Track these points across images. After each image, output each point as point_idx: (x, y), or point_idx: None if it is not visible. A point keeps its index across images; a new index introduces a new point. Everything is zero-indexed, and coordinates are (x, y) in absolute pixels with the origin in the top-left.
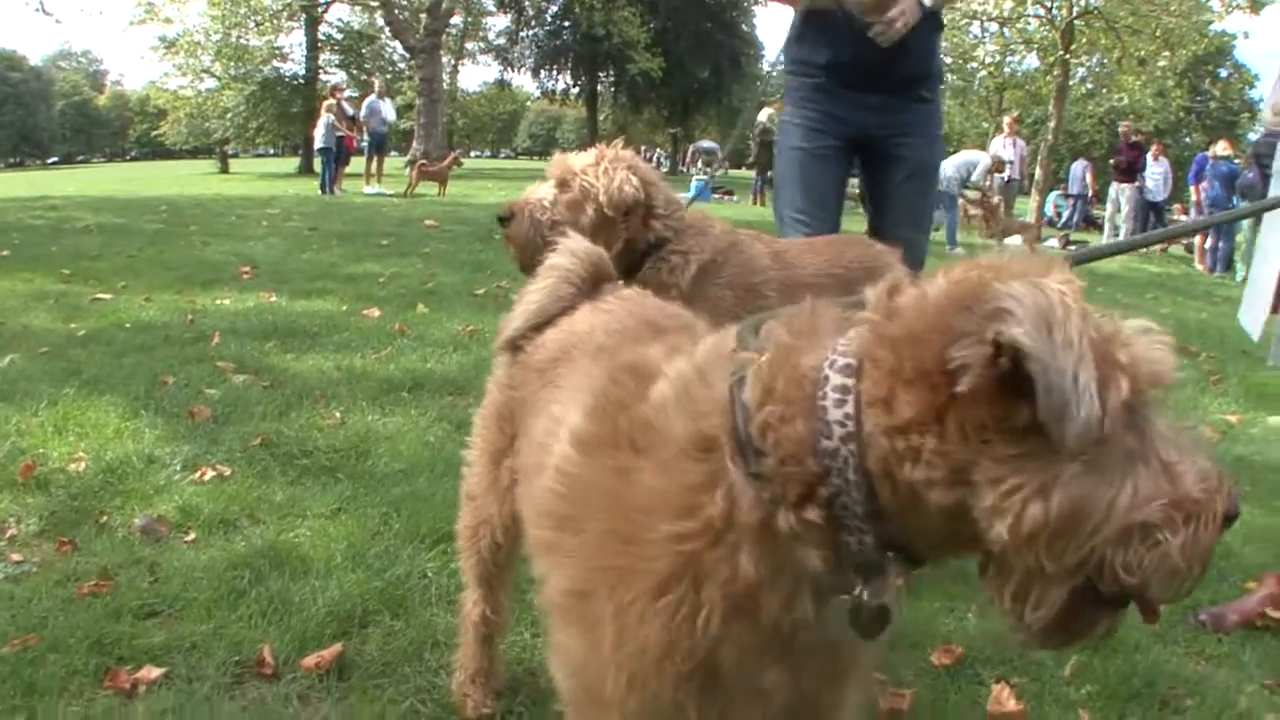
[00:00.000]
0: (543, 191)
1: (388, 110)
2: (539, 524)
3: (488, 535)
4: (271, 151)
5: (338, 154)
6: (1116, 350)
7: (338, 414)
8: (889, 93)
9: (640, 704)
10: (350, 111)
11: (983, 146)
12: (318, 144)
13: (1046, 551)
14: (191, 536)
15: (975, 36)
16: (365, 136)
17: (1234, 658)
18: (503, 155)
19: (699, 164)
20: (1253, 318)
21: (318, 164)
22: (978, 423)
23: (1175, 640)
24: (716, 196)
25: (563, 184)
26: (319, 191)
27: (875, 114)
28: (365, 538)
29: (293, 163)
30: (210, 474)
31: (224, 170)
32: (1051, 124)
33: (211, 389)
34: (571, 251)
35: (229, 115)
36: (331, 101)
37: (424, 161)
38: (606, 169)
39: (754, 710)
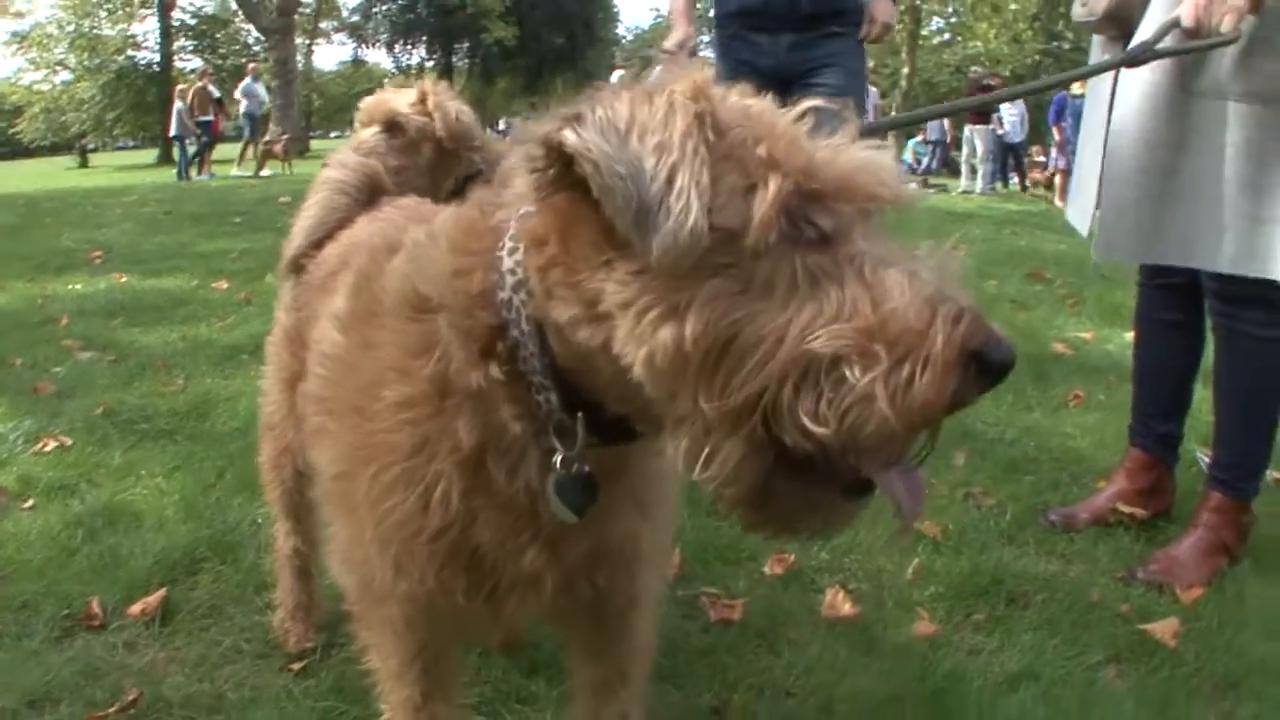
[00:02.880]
0: (369, 139)
1: (263, 92)
2: (309, 411)
3: (289, 464)
4: (132, 144)
5: (208, 139)
6: (775, 150)
7: (180, 380)
8: (799, 30)
9: (410, 591)
10: (216, 94)
11: None
12: (172, 131)
13: (700, 388)
14: (30, 504)
15: None
16: (241, 119)
17: (1086, 554)
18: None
19: None
20: (1079, 211)
21: (175, 152)
22: (592, 241)
23: (1024, 541)
24: None
25: (392, 127)
26: (177, 179)
27: (788, 52)
28: (199, 492)
29: (152, 154)
30: (52, 445)
31: (83, 165)
32: (905, 71)
33: (57, 367)
34: (341, 163)
35: (85, 108)
36: (183, 87)
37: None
38: (438, 104)
39: (527, 596)
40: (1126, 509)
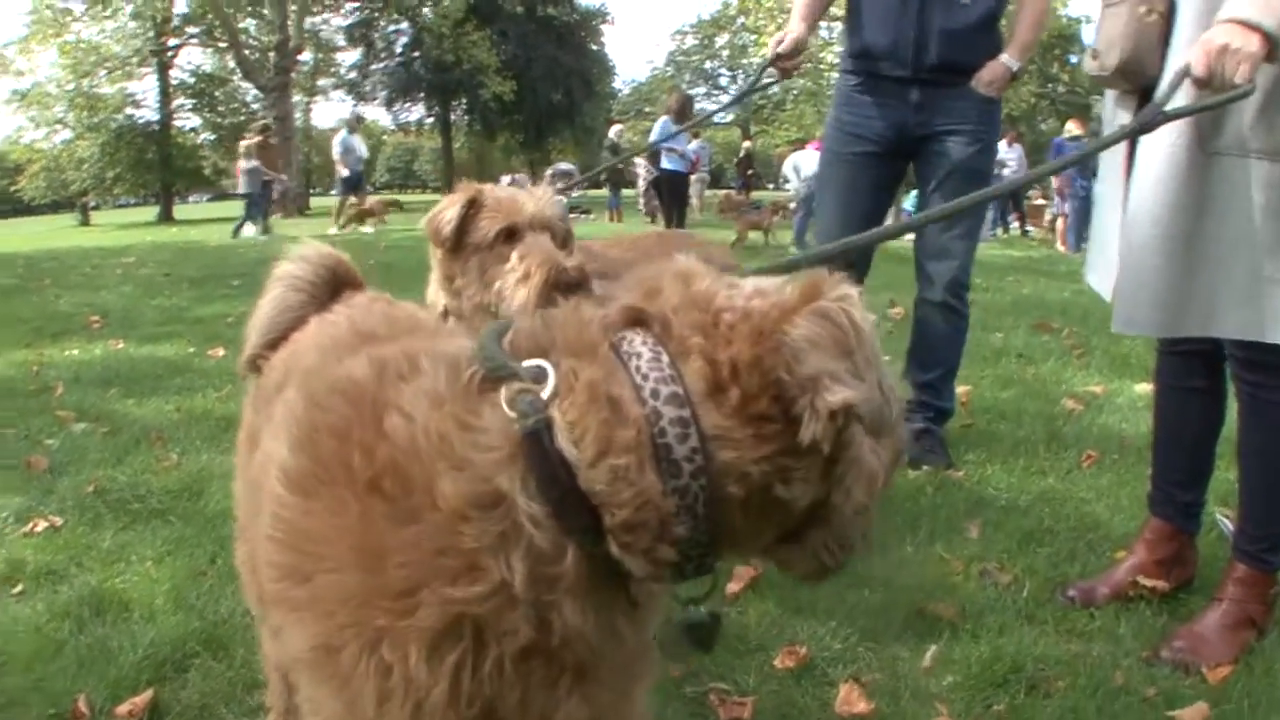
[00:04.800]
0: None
1: (361, 146)
2: (265, 574)
3: None
4: (133, 201)
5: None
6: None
7: (174, 455)
8: (926, 84)
9: None
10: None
11: None
12: (241, 188)
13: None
14: (19, 589)
15: (824, 38)
16: (339, 175)
17: (1108, 632)
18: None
19: (557, 186)
20: (1100, 277)
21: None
22: None
23: (1043, 620)
24: (574, 215)
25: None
26: (235, 235)
27: (915, 111)
28: (189, 579)
29: (153, 211)
30: (42, 525)
31: (84, 223)
32: None
33: (50, 439)
34: (301, 256)
35: (85, 166)
36: (249, 143)
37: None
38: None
39: None
40: (1148, 582)
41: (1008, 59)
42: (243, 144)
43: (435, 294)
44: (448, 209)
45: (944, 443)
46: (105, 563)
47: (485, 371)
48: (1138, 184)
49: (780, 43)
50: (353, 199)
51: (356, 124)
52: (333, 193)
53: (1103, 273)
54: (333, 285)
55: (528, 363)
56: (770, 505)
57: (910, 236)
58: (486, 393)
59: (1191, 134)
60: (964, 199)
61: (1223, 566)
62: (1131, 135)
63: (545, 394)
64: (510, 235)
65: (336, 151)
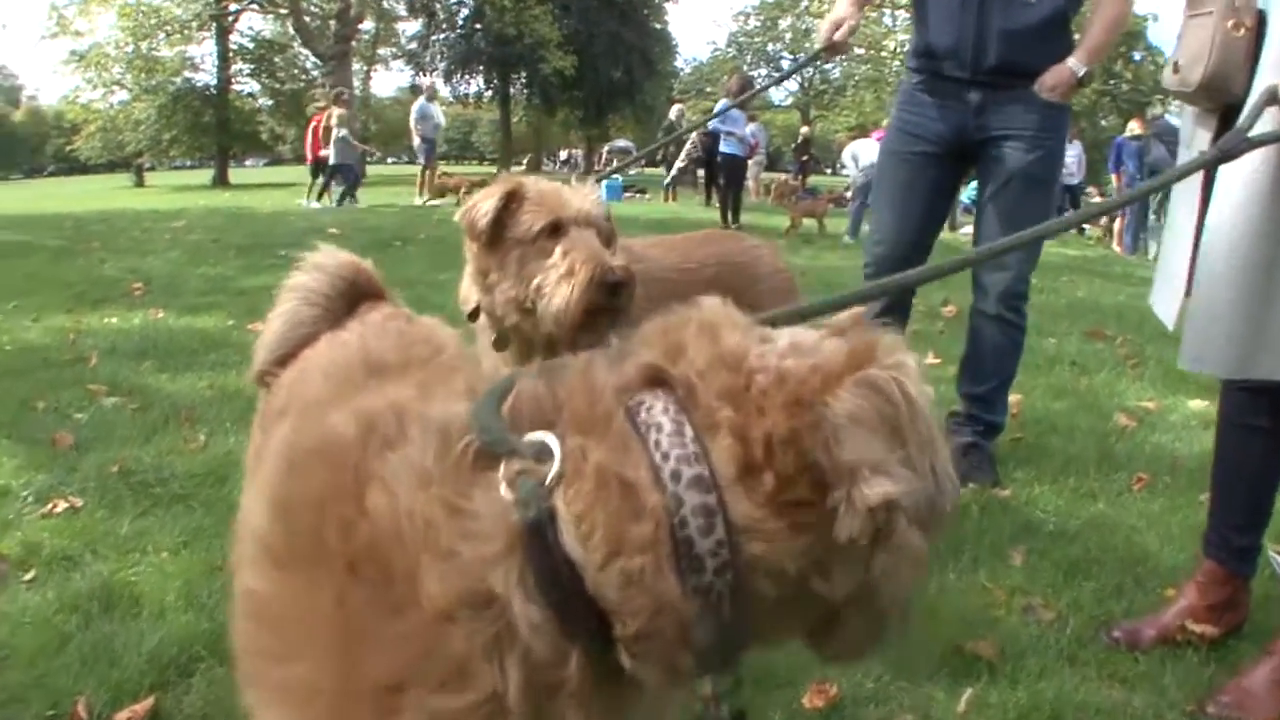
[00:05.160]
0: (598, 246)
1: (438, 114)
2: (236, 641)
3: None
4: (189, 164)
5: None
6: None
7: (202, 437)
8: (986, 86)
9: None
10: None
11: None
12: (333, 159)
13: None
14: (30, 575)
15: (888, 26)
16: (417, 145)
17: (1152, 680)
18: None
19: (613, 164)
20: (1166, 304)
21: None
22: None
23: (1085, 662)
24: (629, 195)
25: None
26: (339, 203)
27: (975, 115)
28: (204, 574)
29: (208, 174)
30: (62, 506)
31: (139, 184)
32: None
33: (80, 413)
34: (317, 265)
35: (141, 128)
36: (343, 112)
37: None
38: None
39: None
40: (1197, 628)
41: (1074, 62)
42: (335, 113)
43: (468, 289)
44: (484, 201)
45: (992, 459)
46: (121, 551)
47: (480, 445)
48: (1215, 211)
49: (838, 27)
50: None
51: (434, 92)
52: (390, 161)
53: (1169, 302)
54: (350, 297)
55: (530, 437)
56: (805, 599)
57: (968, 234)
58: (481, 471)
59: (1275, 160)
60: (1023, 235)
61: (1276, 609)
62: (1212, 165)
63: (549, 476)
64: (554, 230)
65: (414, 119)
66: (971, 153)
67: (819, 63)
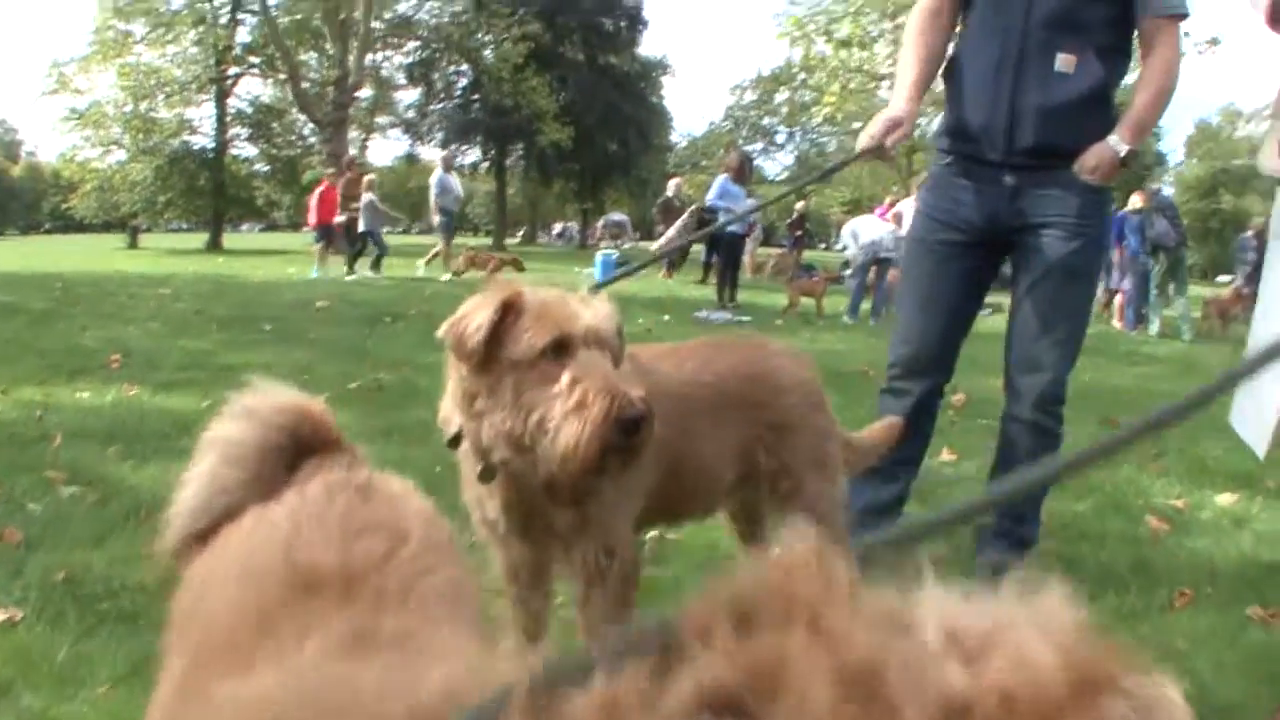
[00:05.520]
0: (613, 373)
1: (457, 186)
2: None
3: None
4: (185, 226)
5: (330, 234)
6: None
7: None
8: (1020, 168)
9: None
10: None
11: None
12: (362, 226)
13: None
14: None
15: (882, 100)
16: (436, 217)
17: None
18: (415, 230)
19: (607, 237)
20: (1253, 428)
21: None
22: None
23: None
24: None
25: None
26: (370, 272)
27: (1010, 201)
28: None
29: (202, 237)
30: (1, 617)
31: (133, 245)
32: None
33: (35, 503)
34: (247, 412)
35: (137, 189)
36: (373, 177)
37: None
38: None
39: None
40: None
41: (1116, 140)
42: (365, 178)
43: (449, 411)
44: (476, 313)
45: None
46: (57, 681)
47: None
48: None
49: (896, 126)
50: (439, 244)
51: (451, 162)
52: (385, 230)
53: (1256, 424)
54: (291, 452)
55: None
56: None
57: (997, 326)
58: None
59: None
60: None
61: None
62: None
63: None
64: (559, 349)
65: (434, 191)
66: (1006, 241)
67: (860, 160)
